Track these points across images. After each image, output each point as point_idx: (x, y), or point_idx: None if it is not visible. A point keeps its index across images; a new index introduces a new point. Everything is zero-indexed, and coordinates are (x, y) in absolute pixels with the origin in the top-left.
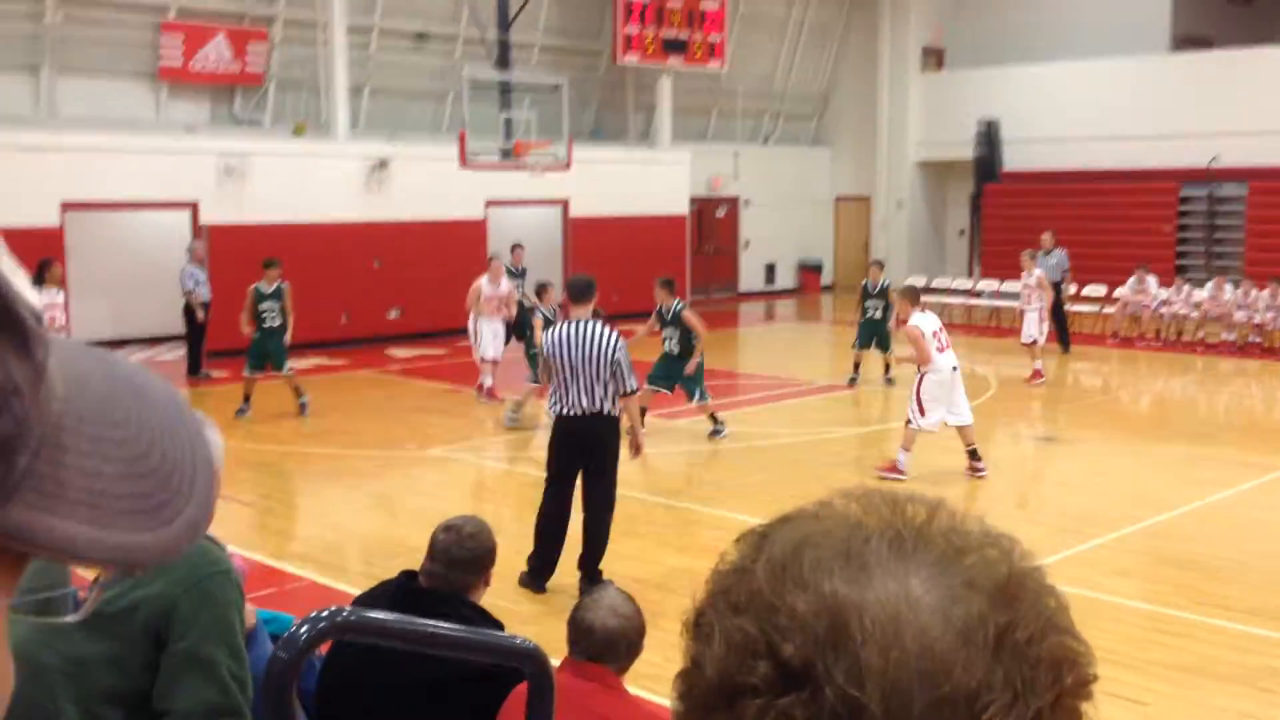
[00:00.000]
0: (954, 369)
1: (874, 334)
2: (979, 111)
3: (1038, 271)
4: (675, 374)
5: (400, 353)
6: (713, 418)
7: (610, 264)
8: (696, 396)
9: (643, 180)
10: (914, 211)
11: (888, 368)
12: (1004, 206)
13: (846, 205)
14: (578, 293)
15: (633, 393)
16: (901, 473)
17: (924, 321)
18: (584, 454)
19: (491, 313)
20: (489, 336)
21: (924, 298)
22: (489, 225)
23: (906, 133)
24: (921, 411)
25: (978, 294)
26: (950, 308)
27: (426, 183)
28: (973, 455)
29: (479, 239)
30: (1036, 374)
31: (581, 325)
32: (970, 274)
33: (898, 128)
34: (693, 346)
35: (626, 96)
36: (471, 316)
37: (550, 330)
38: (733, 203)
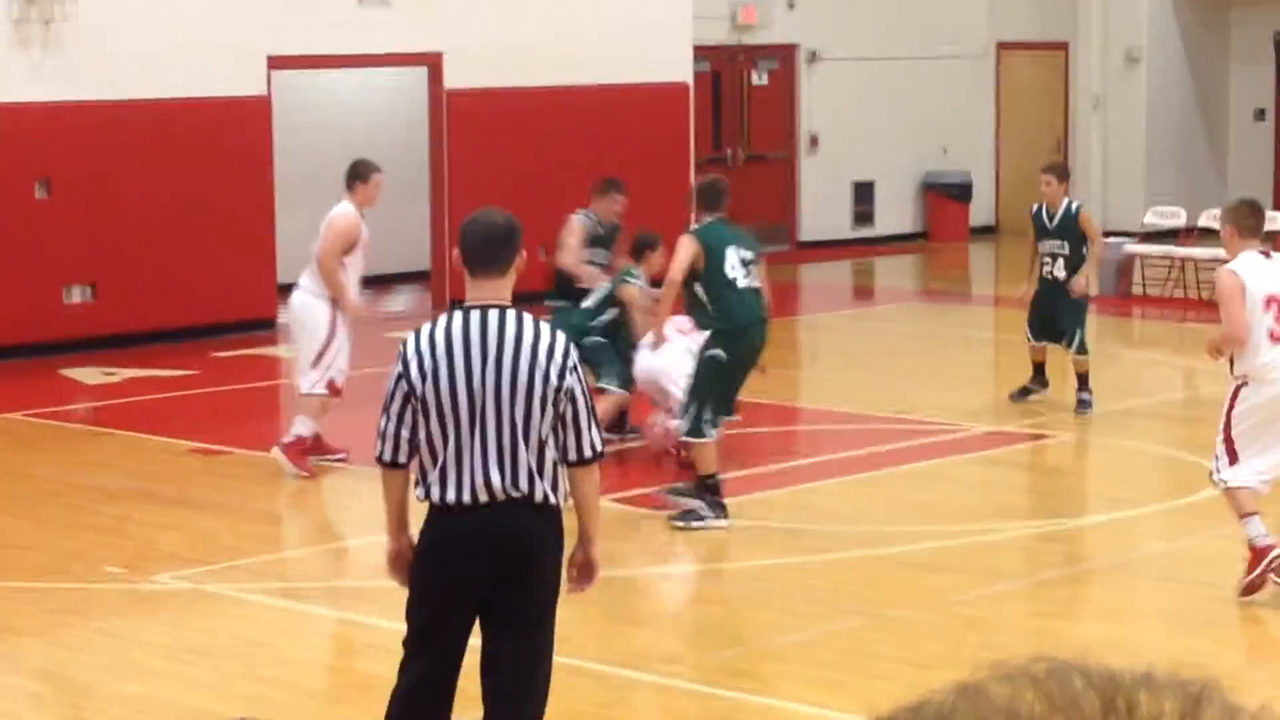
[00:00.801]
0: None
1: (1055, 313)
2: None
3: None
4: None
5: (90, 375)
6: None
7: (531, 192)
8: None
9: (597, 12)
10: (1160, 72)
11: (1082, 381)
12: None
13: (1021, 61)
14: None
15: (595, 459)
16: None
17: (1253, 270)
18: (488, 585)
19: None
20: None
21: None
22: (275, 107)
23: None
24: (1231, 454)
25: None
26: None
27: (145, 23)
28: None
29: (258, 130)
30: None
31: (487, 319)
32: (1276, 201)
33: None
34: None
35: None
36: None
37: (419, 334)
38: (786, 55)
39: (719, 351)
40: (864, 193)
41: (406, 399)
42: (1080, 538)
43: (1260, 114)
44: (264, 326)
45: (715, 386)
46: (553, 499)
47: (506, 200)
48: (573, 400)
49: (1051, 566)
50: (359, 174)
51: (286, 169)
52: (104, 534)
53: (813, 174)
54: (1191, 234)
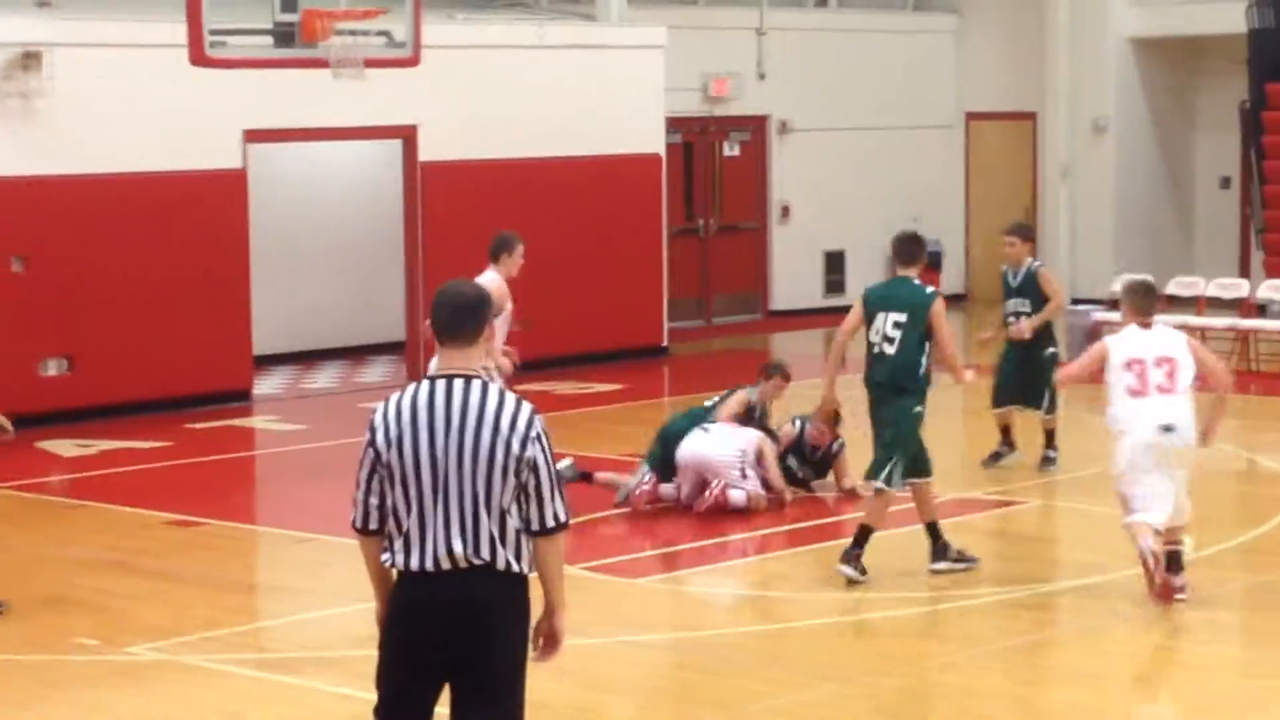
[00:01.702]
0: (1165, 429)
1: (1022, 374)
2: None
3: None
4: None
5: (66, 447)
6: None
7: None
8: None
9: (571, 84)
10: (1127, 141)
11: (1049, 439)
12: None
13: (990, 131)
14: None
15: (559, 529)
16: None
17: (1126, 340)
18: (452, 653)
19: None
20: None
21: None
22: (251, 179)
23: None
24: (1125, 502)
25: (1260, 307)
26: (1206, 332)
27: (121, 98)
28: (1172, 563)
29: (234, 202)
30: None
31: (452, 388)
32: (1243, 269)
33: None
34: None
35: None
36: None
37: (388, 402)
38: (756, 127)
39: (922, 409)
40: (835, 262)
41: (374, 467)
42: (1051, 604)
43: (1226, 182)
44: (240, 398)
45: (918, 441)
46: (516, 567)
47: (482, 269)
48: (535, 470)
49: (1023, 632)
50: (505, 246)
51: (262, 241)
52: (80, 605)
53: (784, 243)
54: (1159, 301)
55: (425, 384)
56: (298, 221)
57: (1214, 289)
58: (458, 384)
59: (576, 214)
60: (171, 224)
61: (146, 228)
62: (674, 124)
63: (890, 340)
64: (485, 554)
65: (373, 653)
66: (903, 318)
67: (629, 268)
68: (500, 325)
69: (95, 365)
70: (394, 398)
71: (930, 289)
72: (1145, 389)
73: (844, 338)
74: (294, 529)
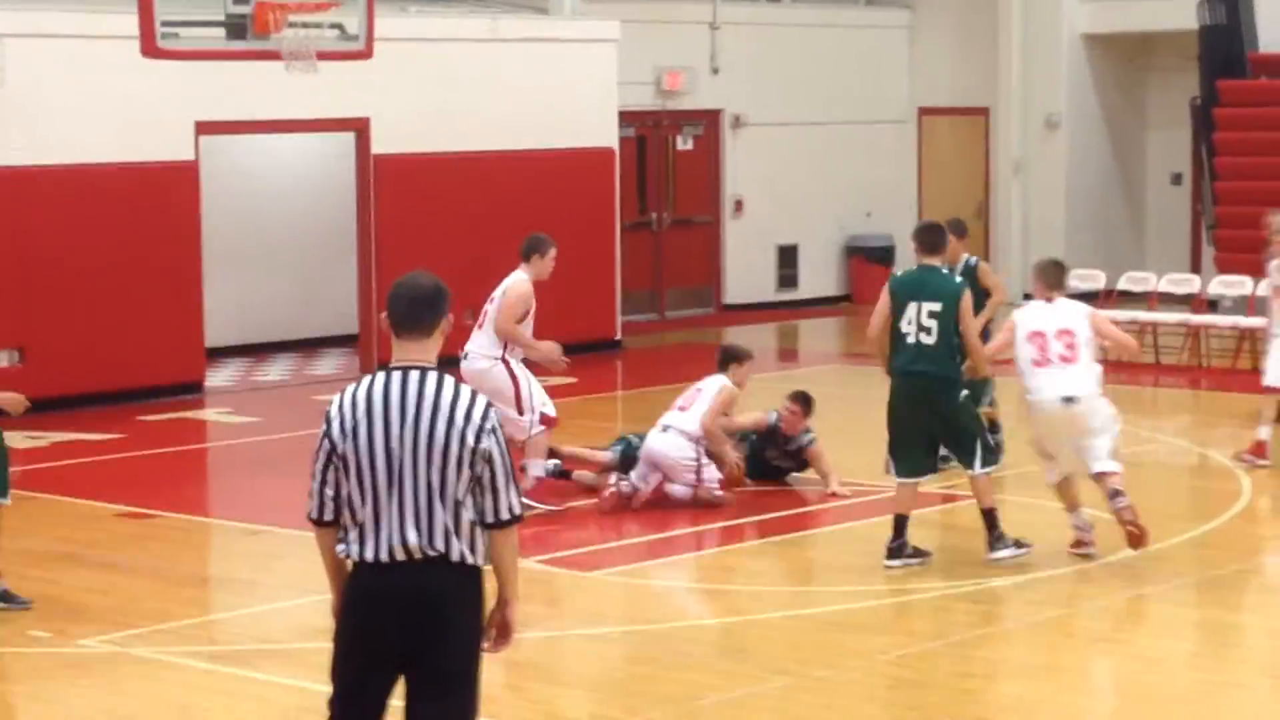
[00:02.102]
0: (1067, 400)
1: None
2: None
3: None
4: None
5: (17, 439)
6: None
7: (458, 255)
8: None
9: (524, 77)
10: (1079, 137)
11: (993, 427)
12: (1260, 125)
13: (942, 126)
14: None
15: (513, 521)
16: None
17: (1030, 313)
18: (405, 643)
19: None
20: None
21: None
22: (203, 171)
23: None
24: (1046, 464)
25: (1211, 303)
26: (1158, 327)
27: (73, 89)
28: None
29: (186, 194)
30: (1258, 447)
31: (407, 380)
32: (1194, 264)
33: None
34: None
35: None
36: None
37: (344, 393)
38: (710, 121)
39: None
40: (788, 256)
41: (329, 458)
42: (1000, 597)
43: (1177, 178)
44: (192, 390)
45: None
46: (470, 558)
47: (433, 264)
48: (489, 462)
49: (973, 626)
50: (537, 248)
51: (214, 233)
52: (31, 598)
53: (737, 238)
54: (1111, 296)
55: (381, 375)
56: (250, 214)
57: (1165, 284)
58: (413, 375)
59: (529, 207)
60: (123, 215)
61: (98, 219)
62: (627, 118)
63: (927, 330)
64: (440, 545)
65: (326, 645)
66: (937, 306)
67: (582, 261)
68: (525, 327)
69: (47, 357)
70: (350, 389)
71: (960, 278)
72: (1046, 360)
73: (881, 332)
74: (246, 521)
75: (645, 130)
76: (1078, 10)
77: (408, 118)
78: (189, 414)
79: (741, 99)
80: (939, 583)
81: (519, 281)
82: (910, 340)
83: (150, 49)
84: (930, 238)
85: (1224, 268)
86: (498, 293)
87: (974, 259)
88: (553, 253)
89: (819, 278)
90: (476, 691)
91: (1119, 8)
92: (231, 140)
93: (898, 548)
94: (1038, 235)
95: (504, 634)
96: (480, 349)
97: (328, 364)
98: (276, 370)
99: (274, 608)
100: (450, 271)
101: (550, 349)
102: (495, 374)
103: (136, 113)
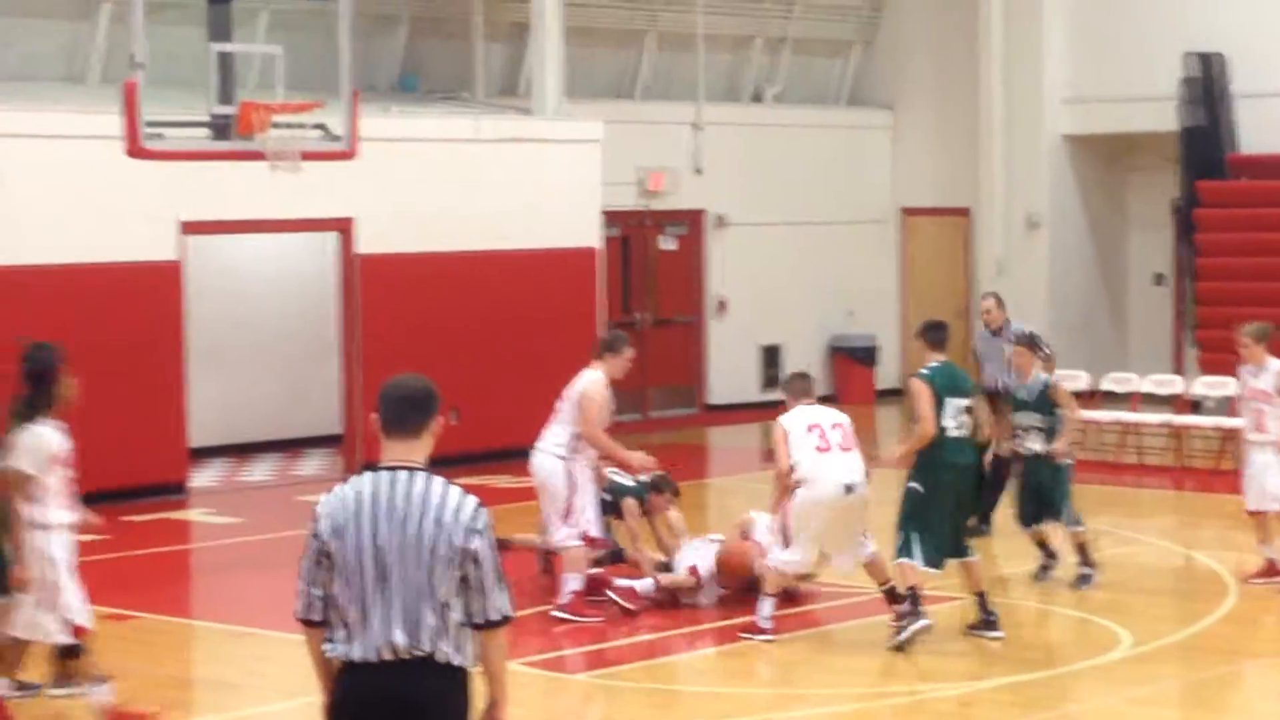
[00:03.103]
0: (846, 488)
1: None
2: (1185, 38)
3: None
4: None
5: None
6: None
7: (443, 354)
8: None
9: (507, 177)
10: (1061, 237)
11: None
12: (1240, 226)
13: (924, 225)
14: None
15: (502, 623)
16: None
17: (795, 416)
18: None
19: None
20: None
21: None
22: (186, 270)
23: (1042, 77)
24: (785, 542)
25: (1194, 404)
26: (1141, 428)
27: (57, 188)
28: (890, 595)
29: (169, 294)
30: (1271, 568)
31: (396, 480)
32: (1176, 365)
33: (1024, 67)
34: None
35: (472, 9)
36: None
37: (333, 492)
38: (693, 221)
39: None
40: (771, 356)
41: (318, 557)
42: (989, 699)
43: (1159, 279)
44: (175, 491)
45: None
46: (456, 660)
47: (417, 363)
48: (477, 563)
49: None
50: (612, 345)
51: (198, 333)
52: (13, 701)
53: (721, 337)
54: (1094, 397)
55: (369, 475)
56: (233, 313)
57: (1148, 385)
58: (401, 475)
59: (512, 307)
60: (106, 315)
61: (81, 318)
62: (610, 218)
63: (961, 425)
64: (426, 646)
65: None
66: (967, 402)
67: (565, 361)
68: (599, 417)
69: None
70: (339, 488)
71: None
72: (828, 447)
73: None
74: (231, 623)
75: (629, 230)
76: (1059, 111)
77: (391, 218)
78: (172, 514)
79: (724, 199)
80: (932, 684)
81: (595, 383)
82: (956, 435)
83: (135, 149)
84: (941, 334)
85: (1207, 368)
86: (575, 392)
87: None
88: (629, 352)
89: None
90: None
91: (1100, 109)
92: (216, 240)
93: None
94: None
95: None
96: (553, 445)
97: (312, 464)
98: (260, 470)
99: (260, 711)
100: (434, 371)
101: (641, 460)
102: (559, 475)
103: (120, 212)
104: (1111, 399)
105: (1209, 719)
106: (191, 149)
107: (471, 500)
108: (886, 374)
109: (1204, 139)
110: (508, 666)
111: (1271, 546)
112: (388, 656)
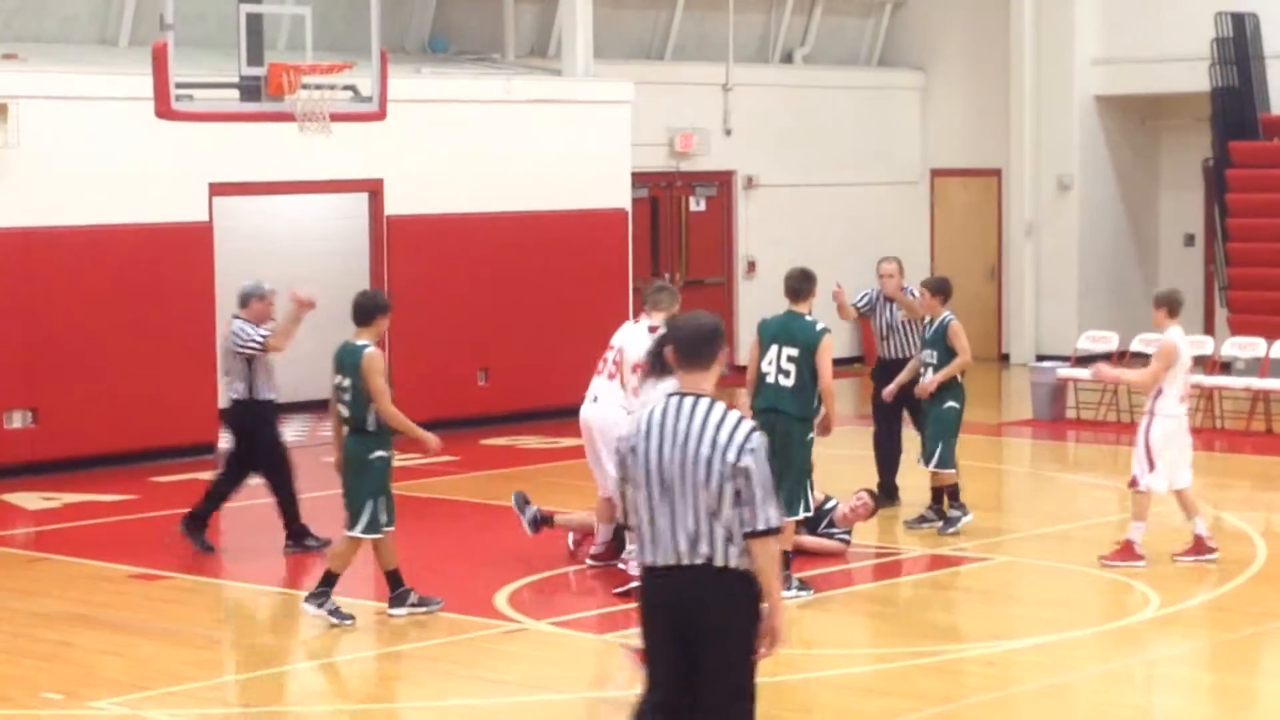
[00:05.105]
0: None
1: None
2: None
3: None
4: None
5: (30, 500)
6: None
7: (468, 315)
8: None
9: (537, 138)
10: (1092, 198)
11: (937, 497)
12: (1272, 186)
13: (954, 187)
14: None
15: (769, 532)
16: (1140, 557)
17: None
18: (684, 641)
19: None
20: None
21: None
22: (217, 231)
23: (1073, 38)
24: (1150, 465)
25: (1225, 365)
26: None
27: (87, 151)
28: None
29: (199, 256)
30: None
31: (681, 406)
32: (1208, 327)
33: (1055, 27)
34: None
35: None
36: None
37: (639, 415)
38: (723, 182)
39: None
40: None
41: (621, 472)
42: (1015, 660)
43: (1190, 239)
44: (205, 451)
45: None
46: (735, 563)
47: (447, 323)
48: (747, 478)
49: (987, 689)
50: (662, 298)
51: (228, 294)
52: (43, 659)
53: (750, 298)
54: (1124, 358)
55: (663, 401)
56: (263, 274)
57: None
58: (688, 400)
59: (542, 268)
60: (137, 277)
61: (112, 280)
62: (640, 179)
63: (785, 373)
64: (705, 551)
65: (339, 706)
66: (795, 352)
67: (594, 322)
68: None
69: (60, 418)
70: (644, 411)
71: (821, 325)
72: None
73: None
74: (259, 583)
75: (658, 191)
76: (1090, 72)
77: (421, 179)
78: (202, 475)
79: (754, 160)
80: (956, 645)
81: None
82: (769, 381)
83: (165, 111)
84: (793, 284)
85: (1237, 329)
86: (621, 343)
87: (949, 318)
88: (676, 307)
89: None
90: (749, 678)
91: (1131, 69)
92: (245, 201)
93: None
94: (1050, 296)
95: (771, 639)
96: (614, 398)
97: None
98: (290, 431)
99: (286, 670)
100: (462, 333)
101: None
102: (622, 426)
103: (150, 174)
104: (1141, 360)
105: (1238, 680)
106: (221, 110)
107: (747, 424)
108: None
109: (1235, 99)
110: (778, 573)
111: None
112: (673, 561)
